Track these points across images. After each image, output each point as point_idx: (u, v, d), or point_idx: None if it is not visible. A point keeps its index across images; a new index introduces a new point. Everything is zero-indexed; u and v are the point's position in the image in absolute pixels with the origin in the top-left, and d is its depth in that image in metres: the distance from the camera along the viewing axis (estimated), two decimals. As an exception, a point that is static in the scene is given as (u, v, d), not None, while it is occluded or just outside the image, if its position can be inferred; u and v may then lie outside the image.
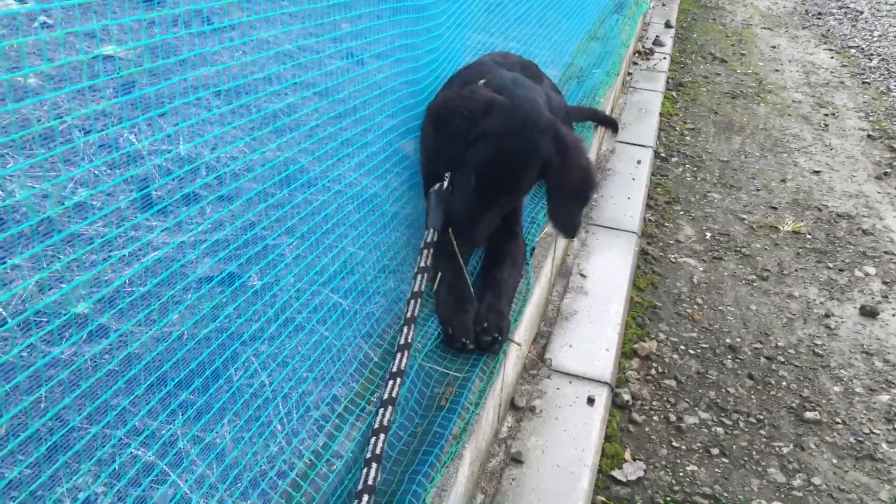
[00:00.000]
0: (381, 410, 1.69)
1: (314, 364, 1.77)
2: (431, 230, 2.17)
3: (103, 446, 1.32)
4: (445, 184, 2.25)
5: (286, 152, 2.03)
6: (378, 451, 1.59)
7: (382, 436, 1.63)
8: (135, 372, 1.37)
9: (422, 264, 2.09)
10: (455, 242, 2.13)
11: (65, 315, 1.49)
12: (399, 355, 1.83)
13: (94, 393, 1.30)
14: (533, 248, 2.66)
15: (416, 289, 2.02)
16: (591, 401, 2.53)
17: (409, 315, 1.95)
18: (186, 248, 1.77)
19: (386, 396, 1.73)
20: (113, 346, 1.47)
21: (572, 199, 2.25)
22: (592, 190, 2.31)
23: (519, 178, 2.16)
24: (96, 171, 1.87)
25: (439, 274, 2.17)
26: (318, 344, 1.81)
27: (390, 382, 1.76)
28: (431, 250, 2.13)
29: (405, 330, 1.90)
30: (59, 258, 1.54)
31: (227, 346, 1.62)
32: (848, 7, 9.07)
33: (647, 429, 2.71)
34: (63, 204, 1.68)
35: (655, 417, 2.76)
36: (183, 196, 1.76)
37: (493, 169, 2.12)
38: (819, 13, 8.78)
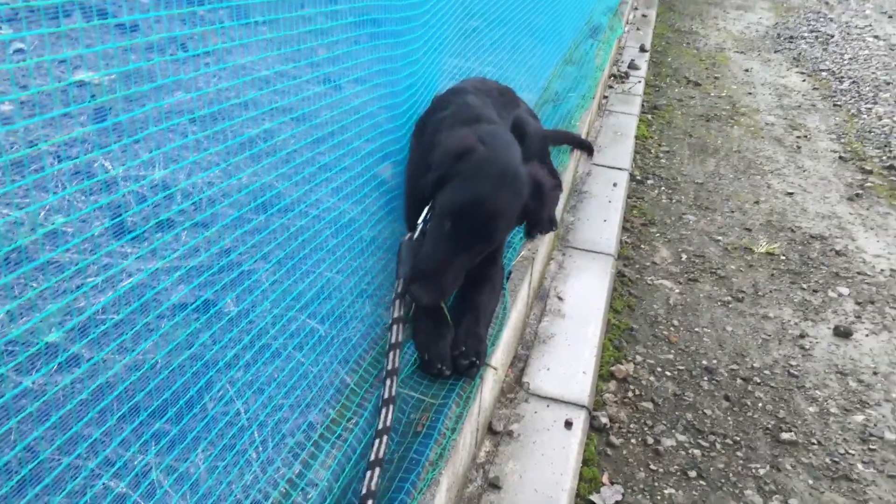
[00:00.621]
0: (376, 441, 1.70)
1: (290, 391, 1.76)
2: (402, 280, 2.13)
3: (74, 478, 1.30)
4: (417, 233, 2.24)
5: (263, 178, 2.03)
6: (374, 486, 1.61)
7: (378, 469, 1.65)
8: (107, 402, 1.36)
9: (395, 315, 2.06)
10: (416, 296, 2.04)
11: (36, 345, 1.47)
12: (384, 409, 1.81)
13: (66, 423, 1.29)
14: (510, 272, 2.67)
15: (393, 340, 2.00)
16: (568, 424, 2.54)
17: (390, 367, 1.93)
18: (161, 274, 1.76)
19: (381, 426, 1.74)
20: (85, 375, 1.45)
21: (546, 226, 2.27)
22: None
23: (497, 225, 2.11)
24: (69, 198, 1.86)
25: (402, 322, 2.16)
26: (294, 370, 1.80)
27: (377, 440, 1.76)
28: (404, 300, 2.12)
29: (388, 382, 1.89)
30: (30, 286, 1.53)
31: (202, 373, 1.61)
32: (819, 31, 9.24)
33: (624, 452, 2.71)
34: (35, 231, 1.67)
35: (633, 440, 2.77)
36: (158, 223, 1.75)
37: (471, 215, 2.06)
38: (791, 37, 8.94)
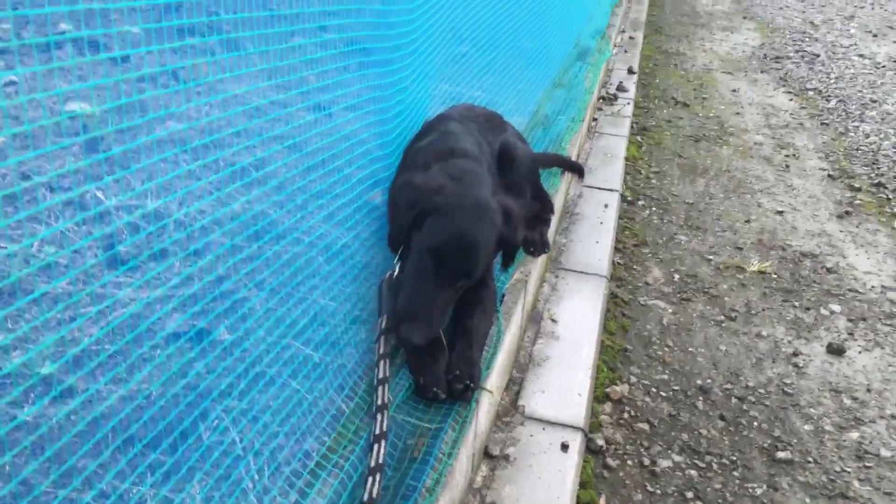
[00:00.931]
0: (369, 479, 1.69)
1: (286, 419, 1.76)
2: (385, 317, 2.15)
3: (70, 512, 1.30)
4: (396, 272, 2.25)
5: (256, 206, 2.05)
6: None
7: None
8: (102, 434, 1.36)
9: (381, 351, 2.07)
10: (406, 336, 2.03)
11: (31, 377, 1.47)
12: (376, 446, 1.81)
13: (60, 456, 1.29)
14: (503, 295, 2.68)
15: (381, 375, 2.00)
16: (564, 447, 2.53)
17: (379, 402, 1.92)
18: (155, 304, 1.77)
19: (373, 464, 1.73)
20: (80, 407, 1.45)
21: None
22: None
23: (478, 259, 2.13)
24: (63, 230, 1.86)
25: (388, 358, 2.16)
26: (289, 398, 1.80)
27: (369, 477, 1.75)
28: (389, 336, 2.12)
29: (379, 417, 1.88)
30: (24, 319, 1.53)
31: (197, 403, 1.61)
32: (805, 51, 9.34)
33: (621, 474, 2.71)
34: (30, 264, 1.67)
35: (629, 462, 2.76)
36: (151, 253, 1.76)
37: (453, 251, 2.08)
38: (777, 57, 9.03)
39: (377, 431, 1.83)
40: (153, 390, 1.55)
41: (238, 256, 1.92)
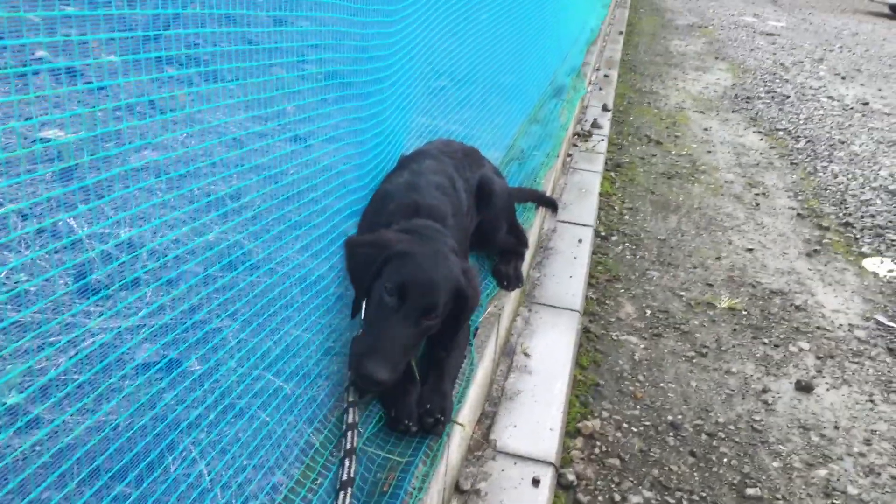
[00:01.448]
0: None
1: (254, 451, 1.74)
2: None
3: (32, 545, 1.27)
4: (361, 330, 2.20)
5: (231, 236, 2.04)
6: None
7: None
8: (67, 466, 1.34)
9: (350, 399, 2.06)
10: (367, 372, 1.97)
11: (-4, 407, 1.45)
12: (342, 493, 1.79)
13: (24, 489, 1.27)
14: (476, 328, 2.69)
15: (350, 420, 1.99)
16: (536, 482, 2.53)
17: (348, 447, 1.91)
18: (126, 335, 1.75)
19: None
20: (45, 438, 1.43)
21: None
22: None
23: (439, 295, 2.11)
24: (34, 258, 1.85)
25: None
26: (258, 430, 1.79)
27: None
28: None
29: (346, 463, 1.87)
30: (-8, 347, 1.51)
31: (166, 434, 1.59)
32: (775, 91, 9.55)
33: (592, 509, 2.71)
34: (-1, 291, 1.65)
35: (600, 498, 2.76)
36: (123, 283, 1.75)
37: (415, 284, 2.08)
38: (748, 97, 9.22)
39: (344, 478, 1.81)
40: (120, 421, 1.54)
41: (211, 287, 1.91)
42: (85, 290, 1.79)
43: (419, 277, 2.09)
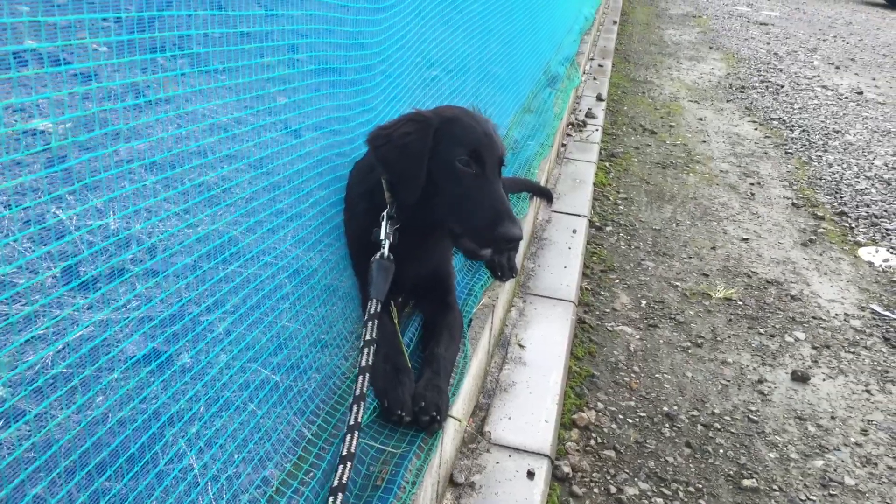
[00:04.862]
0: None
1: (244, 443, 1.70)
2: (375, 301, 2.10)
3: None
4: (386, 252, 2.21)
5: (220, 225, 2.00)
6: None
7: None
8: (50, 454, 1.30)
9: (367, 337, 2.02)
10: (510, 233, 2.06)
11: (-25, 399, 1.40)
12: (349, 436, 1.77)
13: (6, 478, 1.23)
14: (470, 320, 2.65)
15: (363, 363, 1.96)
16: (531, 474, 2.50)
17: (357, 392, 1.89)
18: (112, 324, 1.71)
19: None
20: (30, 429, 1.39)
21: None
22: None
23: (502, 144, 2.21)
24: (17, 246, 1.80)
25: (374, 345, 2.12)
26: (247, 422, 1.75)
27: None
28: (377, 322, 2.07)
29: (355, 408, 1.84)
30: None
31: (151, 425, 1.55)
32: (769, 81, 9.52)
33: (587, 502, 2.68)
34: (-22, 281, 1.61)
35: (596, 490, 2.73)
36: (110, 271, 1.70)
37: (487, 140, 2.13)
38: (742, 87, 9.19)
39: (352, 422, 1.80)
40: (106, 410, 1.49)
41: (196, 273, 1.87)
42: (71, 280, 1.74)
43: (483, 139, 2.14)
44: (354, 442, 1.77)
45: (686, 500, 2.73)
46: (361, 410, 1.84)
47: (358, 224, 2.39)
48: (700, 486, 2.80)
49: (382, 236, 2.22)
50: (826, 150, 6.99)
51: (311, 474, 1.77)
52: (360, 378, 1.92)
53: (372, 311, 2.08)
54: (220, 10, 2.00)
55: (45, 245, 1.78)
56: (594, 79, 8.36)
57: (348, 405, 1.90)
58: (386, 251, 2.20)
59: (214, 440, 1.64)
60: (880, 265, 4.83)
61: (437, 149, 2.11)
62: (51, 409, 1.43)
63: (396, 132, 2.17)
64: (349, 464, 1.72)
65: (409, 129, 2.15)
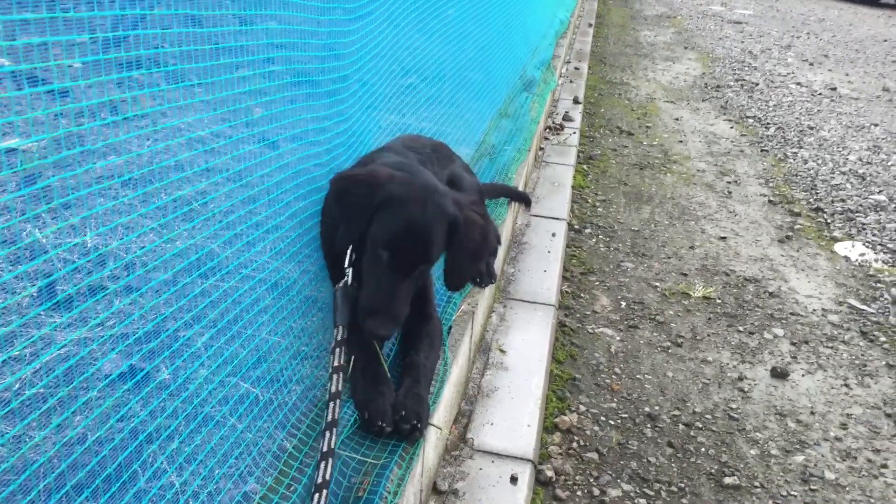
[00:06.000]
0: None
1: (224, 459, 1.71)
2: (341, 328, 2.13)
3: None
4: (349, 279, 2.24)
5: (197, 239, 2.00)
6: None
7: None
8: (24, 478, 1.30)
9: (335, 364, 2.04)
10: (372, 330, 2.08)
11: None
12: (323, 464, 1.78)
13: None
14: (450, 327, 2.66)
15: (333, 390, 1.97)
16: (514, 479, 2.51)
17: (329, 419, 1.90)
18: (89, 342, 1.71)
19: None
20: (5, 452, 1.39)
21: (471, 257, 2.33)
22: (491, 245, 2.43)
23: (432, 242, 2.15)
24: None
25: (353, 358, 2.13)
26: (227, 437, 1.75)
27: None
28: (343, 348, 2.10)
29: (327, 434, 1.85)
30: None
31: (131, 442, 1.55)
32: (744, 80, 9.61)
33: (571, 504, 2.70)
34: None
35: (579, 492, 2.75)
36: (88, 288, 1.70)
37: (407, 238, 2.11)
38: (717, 86, 9.27)
39: (325, 449, 1.80)
40: (84, 429, 1.49)
41: (175, 288, 1.87)
42: (47, 298, 1.74)
43: (411, 230, 2.11)
44: (329, 469, 1.78)
45: (669, 499, 2.75)
46: (335, 437, 1.85)
47: (333, 236, 2.41)
48: (682, 485, 2.83)
49: (347, 264, 2.26)
50: (801, 147, 7.07)
51: (293, 488, 1.77)
52: (332, 404, 1.93)
53: (339, 337, 2.11)
54: (197, 28, 2.00)
55: (21, 265, 1.77)
56: (571, 82, 8.41)
57: (321, 430, 1.90)
58: (349, 279, 2.24)
59: (195, 456, 1.65)
60: (856, 259, 4.89)
61: (373, 218, 2.16)
62: (28, 431, 1.43)
63: (351, 186, 2.24)
64: (324, 491, 1.73)
65: (360, 191, 2.19)
